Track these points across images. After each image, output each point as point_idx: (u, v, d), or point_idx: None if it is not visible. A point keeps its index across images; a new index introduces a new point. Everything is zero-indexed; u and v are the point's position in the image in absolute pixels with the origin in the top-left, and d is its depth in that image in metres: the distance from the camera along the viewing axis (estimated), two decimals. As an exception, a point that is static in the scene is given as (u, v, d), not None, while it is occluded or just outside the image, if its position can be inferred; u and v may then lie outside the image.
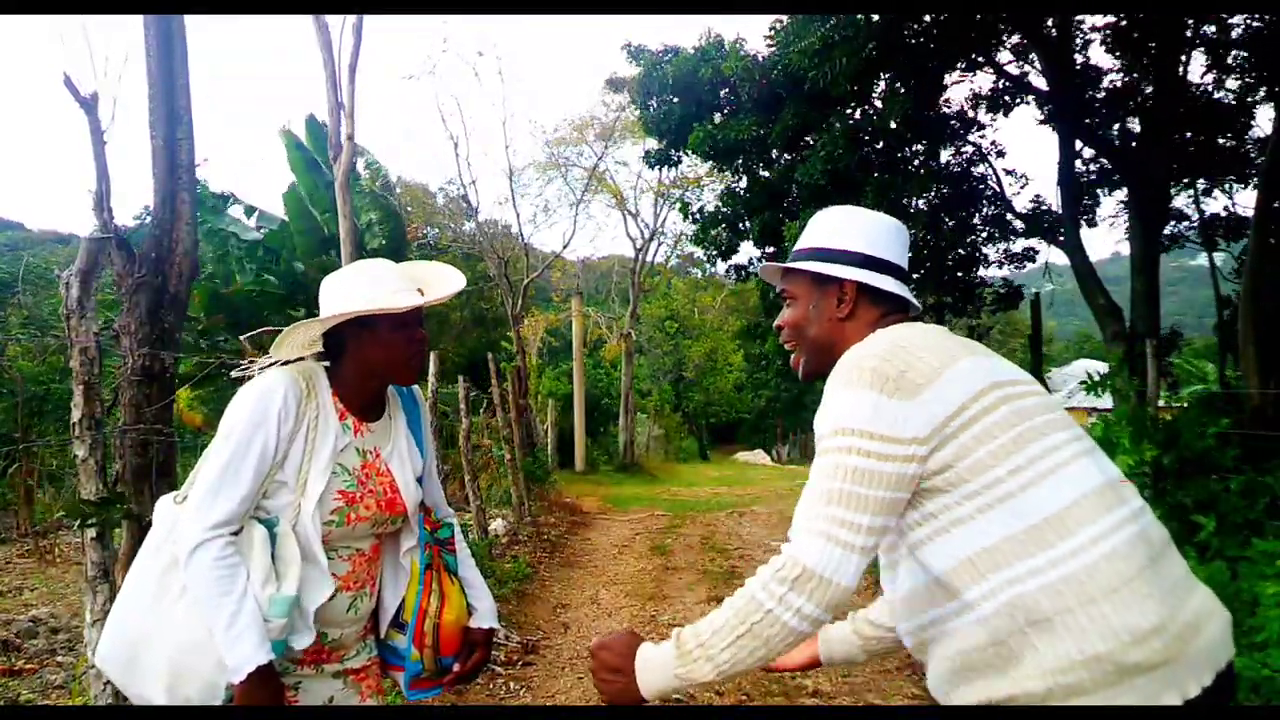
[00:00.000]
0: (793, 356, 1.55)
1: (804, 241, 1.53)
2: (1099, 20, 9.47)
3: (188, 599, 1.52)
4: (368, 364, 1.67)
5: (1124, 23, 9.02)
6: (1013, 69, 10.51)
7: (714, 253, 12.13)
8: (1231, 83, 9.65)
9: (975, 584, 1.21)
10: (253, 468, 1.54)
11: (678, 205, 15.13)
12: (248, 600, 1.49)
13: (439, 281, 1.76)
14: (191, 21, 3.48)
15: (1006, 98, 10.63)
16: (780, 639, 1.20)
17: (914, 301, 1.48)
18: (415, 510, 1.76)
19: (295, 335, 1.67)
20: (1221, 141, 10.00)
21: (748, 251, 12.00)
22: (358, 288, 1.64)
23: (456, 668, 1.79)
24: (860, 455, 1.21)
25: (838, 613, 1.21)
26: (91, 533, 2.47)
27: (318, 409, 1.62)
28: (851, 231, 1.48)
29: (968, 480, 1.23)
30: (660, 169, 14.16)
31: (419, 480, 1.79)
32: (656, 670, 1.28)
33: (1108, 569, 1.16)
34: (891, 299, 1.45)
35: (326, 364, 1.72)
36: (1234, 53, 9.28)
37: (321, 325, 1.65)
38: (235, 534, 1.53)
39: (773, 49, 9.86)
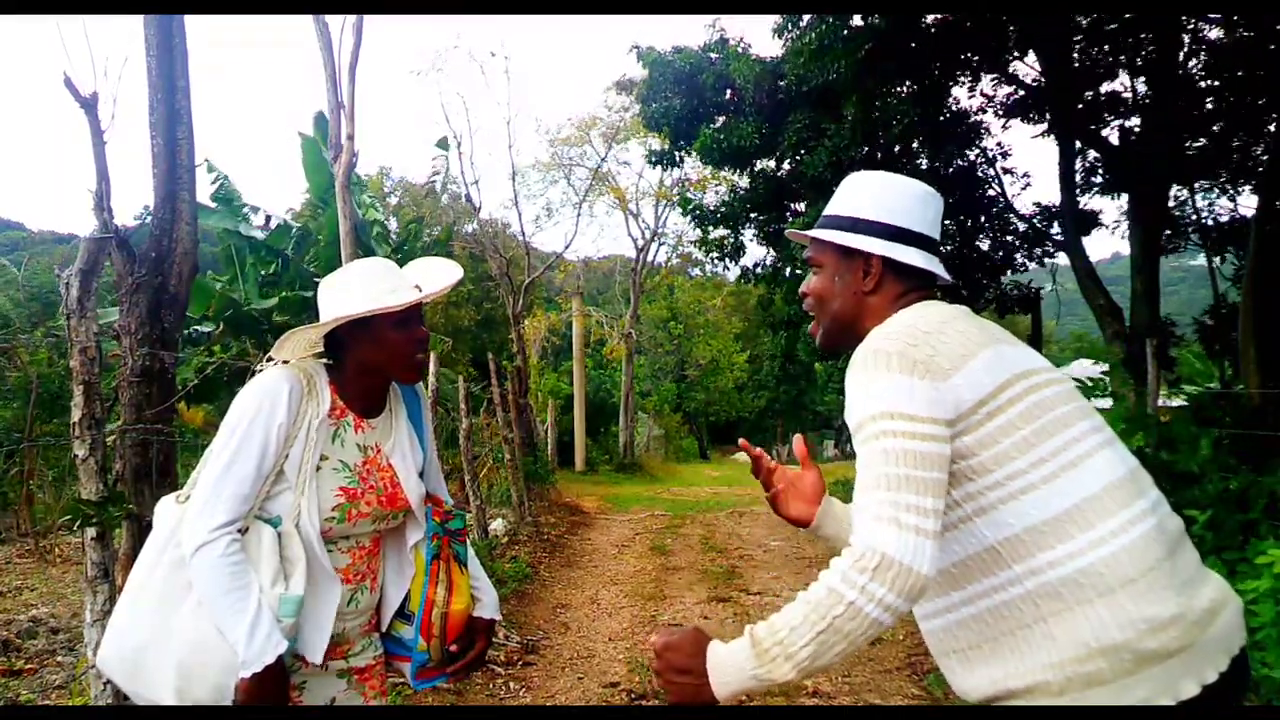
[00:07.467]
0: (812, 324, 1.53)
1: (833, 207, 1.49)
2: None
3: (194, 599, 1.51)
4: (368, 364, 1.68)
5: (1125, 19, 9.00)
6: (1011, 68, 10.49)
7: (719, 256, 12.07)
8: (1231, 83, 9.63)
9: (997, 572, 1.22)
10: (254, 466, 1.54)
11: (678, 201, 15.05)
12: (259, 595, 1.49)
13: (436, 276, 1.74)
14: (191, 21, 3.48)
15: (1022, 104, 10.57)
16: (862, 632, 1.13)
17: (943, 274, 1.44)
18: (420, 504, 1.75)
19: (295, 339, 1.67)
20: (1222, 142, 9.99)
21: (754, 254, 11.93)
22: (354, 288, 1.64)
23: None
24: (907, 438, 1.18)
25: (915, 602, 1.15)
26: (91, 533, 2.47)
27: (318, 406, 1.62)
28: (881, 201, 1.44)
29: (992, 470, 1.23)
30: (663, 168, 14.06)
31: (420, 474, 1.79)
32: (731, 671, 1.19)
33: (1126, 561, 1.17)
34: (918, 273, 1.43)
35: (327, 361, 1.72)
36: (1234, 54, 9.26)
37: (321, 330, 1.65)
38: (241, 533, 1.54)
39: (775, 54, 9.83)
